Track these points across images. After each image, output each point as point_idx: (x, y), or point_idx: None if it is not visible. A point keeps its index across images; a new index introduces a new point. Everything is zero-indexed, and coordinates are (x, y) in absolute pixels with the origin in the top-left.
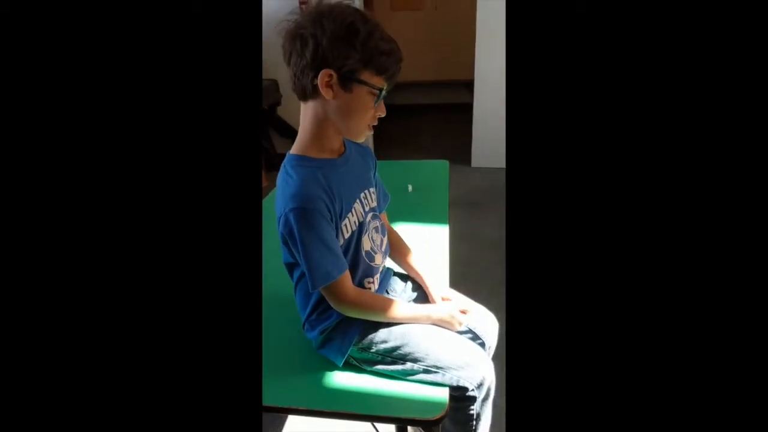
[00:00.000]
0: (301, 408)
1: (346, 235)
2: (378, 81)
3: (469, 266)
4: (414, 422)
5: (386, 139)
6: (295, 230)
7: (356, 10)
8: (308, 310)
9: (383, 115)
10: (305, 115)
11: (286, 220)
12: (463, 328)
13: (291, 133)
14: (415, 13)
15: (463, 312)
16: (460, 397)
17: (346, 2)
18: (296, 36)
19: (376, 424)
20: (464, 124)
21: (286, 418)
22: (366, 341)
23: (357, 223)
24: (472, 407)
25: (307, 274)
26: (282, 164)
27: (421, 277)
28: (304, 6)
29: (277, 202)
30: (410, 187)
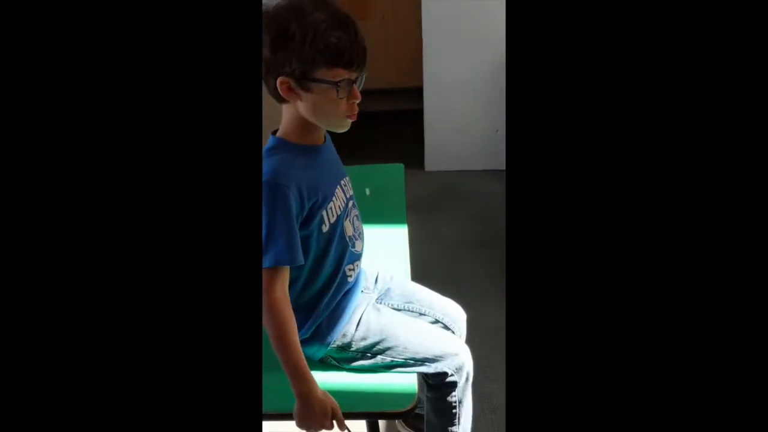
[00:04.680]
0: (271, 412)
1: (332, 220)
2: (337, 72)
3: (430, 266)
4: (385, 416)
5: (339, 146)
6: (264, 201)
7: (292, 5)
8: None
9: (358, 100)
10: (285, 111)
11: None
12: (430, 320)
13: None
14: (362, 24)
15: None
16: (440, 384)
17: (287, 1)
18: None
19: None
20: (416, 129)
21: None
22: (345, 340)
23: (341, 208)
24: (453, 393)
25: (264, 245)
26: (264, 147)
27: None
28: None
29: None
30: (368, 191)
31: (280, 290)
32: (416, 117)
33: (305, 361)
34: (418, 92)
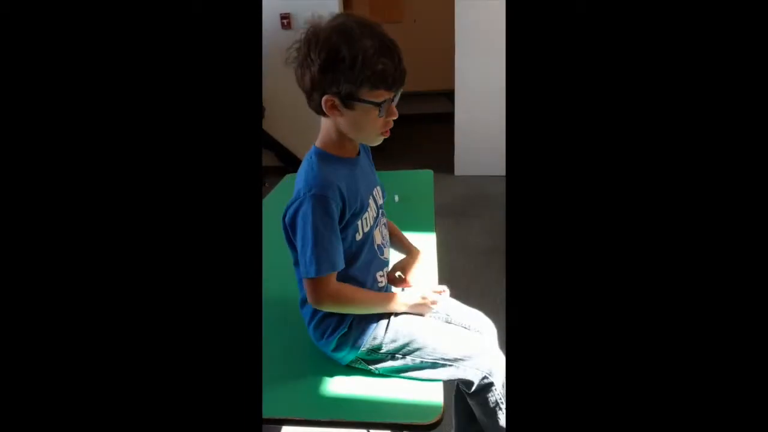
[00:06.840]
0: (296, 418)
1: (366, 229)
2: (379, 94)
3: (457, 273)
4: (411, 427)
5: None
6: (310, 214)
7: (342, 30)
8: (320, 314)
9: (395, 117)
10: (324, 124)
11: (301, 204)
12: (458, 327)
13: (273, 146)
14: (394, 26)
15: (438, 293)
16: (478, 388)
17: (336, 20)
18: (298, 63)
19: (372, 431)
20: (446, 133)
21: (280, 429)
22: (375, 343)
23: (374, 219)
24: (493, 392)
25: (309, 259)
26: (308, 154)
27: (407, 242)
28: (285, 21)
29: (297, 183)
30: (396, 198)
31: (336, 284)
32: (445, 121)
33: (384, 294)
34: (449, 95)
